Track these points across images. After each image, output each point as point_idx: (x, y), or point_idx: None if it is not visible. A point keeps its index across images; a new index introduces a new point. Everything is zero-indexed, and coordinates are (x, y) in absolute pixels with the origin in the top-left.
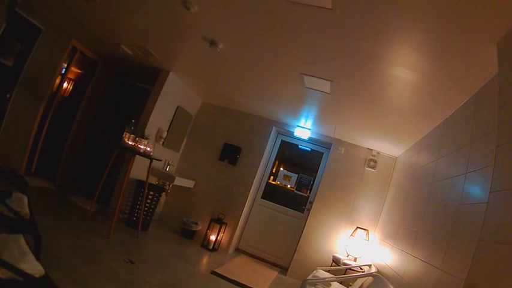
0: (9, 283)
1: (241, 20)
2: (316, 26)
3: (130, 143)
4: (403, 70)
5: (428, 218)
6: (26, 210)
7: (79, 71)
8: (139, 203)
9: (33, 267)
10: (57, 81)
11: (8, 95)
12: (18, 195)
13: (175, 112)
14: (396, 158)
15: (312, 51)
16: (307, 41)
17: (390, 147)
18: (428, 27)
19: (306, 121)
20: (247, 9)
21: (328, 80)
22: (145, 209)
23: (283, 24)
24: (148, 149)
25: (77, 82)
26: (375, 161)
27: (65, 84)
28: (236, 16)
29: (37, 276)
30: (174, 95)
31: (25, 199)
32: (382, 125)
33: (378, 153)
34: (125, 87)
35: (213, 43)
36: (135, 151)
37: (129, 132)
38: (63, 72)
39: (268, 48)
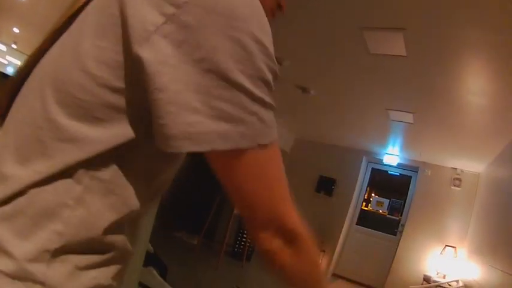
0: None
1: (330, 70)
2: (395, 70)
3: None
4: (474, 96)
5: (509, 230)
6: (149, 246)
7: None
8: (243, 236)
9: None
10: None
11: None
12: None
13: None
14: (479, 173)
15: (394, 90)
16: (389, 82)
17: (473, 164)
18: (490, 59)
19: (393, 148)
20: (335, 61)
21: (410, 112)
22: (249, 241)
23: (367, 70)
24: None
25: None
26: (460, 180)
27: None
28: (325, 67)
29: None
30: None
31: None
32: (461, 145)
33: (462, 171)
34: None
35: (305, 90)
36: None
37: None
38: None
39: (355, 90)
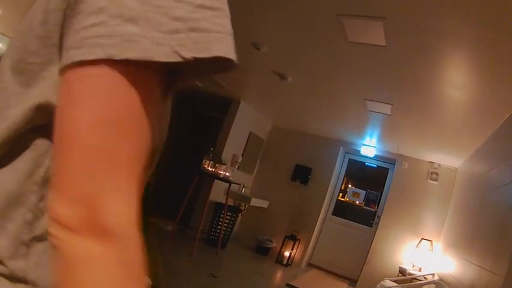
0: None
1: (307, 57)
2: (374, 60)
3: (210, 169)
4: (453, 90)
5: (483, 225)
6: None
7: None
8: (218, 223)
9: None
10: None
11: None
12: None
13: (248, 138)
14: (456, 169)
15: (372, 80)
16: (367, 72)
17: (450, 159)
18: (471, 54)
19: (370, 140)
20: (313, 48)
21: (388, 103)
22: (224, 228)
23: (345, 59)
24: (227, 174)
25: None
26: (437, 174)
27: None
28: (303, 54)
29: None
30: (246, 122)
31: None
32: (439, 139)
33: (439, 165)
34: (196, 115)
35: (282, 77)
36: (215, 176)
37: (208, 160)
38: None
39: (333, 79)
